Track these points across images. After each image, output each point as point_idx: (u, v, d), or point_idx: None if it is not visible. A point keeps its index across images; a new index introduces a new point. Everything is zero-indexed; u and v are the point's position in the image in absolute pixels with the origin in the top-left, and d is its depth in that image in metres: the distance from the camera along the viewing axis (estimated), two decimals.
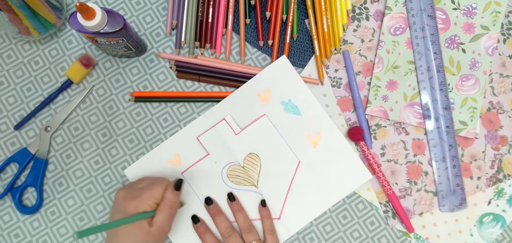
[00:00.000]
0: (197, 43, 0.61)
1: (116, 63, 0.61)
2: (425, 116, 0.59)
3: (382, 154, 0.60)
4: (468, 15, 0.60)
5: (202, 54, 0.62)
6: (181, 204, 0.58)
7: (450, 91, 0.60)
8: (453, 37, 0.60)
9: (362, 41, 0.61)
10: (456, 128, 0.59)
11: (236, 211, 0.57)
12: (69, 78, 0.59)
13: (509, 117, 0.60)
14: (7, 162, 0.59)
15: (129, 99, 0.61)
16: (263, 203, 0.58)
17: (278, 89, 0.60)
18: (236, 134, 0.59)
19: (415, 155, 0.60)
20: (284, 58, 0.60)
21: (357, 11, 0.62)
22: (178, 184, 0.52)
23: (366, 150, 0.59)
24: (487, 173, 0.59)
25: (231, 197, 0.57)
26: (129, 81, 0.61)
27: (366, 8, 0.62)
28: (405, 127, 0.60)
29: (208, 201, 0.57)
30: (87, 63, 0.59)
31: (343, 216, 0.59)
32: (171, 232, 0.58)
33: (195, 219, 0.57)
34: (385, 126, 0.60)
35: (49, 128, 0.60)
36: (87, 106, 0.61)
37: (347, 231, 0.59)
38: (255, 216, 0.58)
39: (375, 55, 0.61)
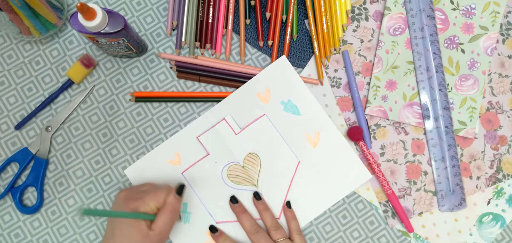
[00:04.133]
0: (198, 44, 0.61)
1: (117, 63, 0.61)
2: (425, 116, 0.60)
3: (382, 154, 0.60)
4: (467, 16, 0.61)
5: (202, 54, 0.62)
6: (179, 217, 0.58)
7: (449, 91, 0.60)
8: (452, 37, 0.61)
9: (362, 41, 0.61)
10: (455, 128, 0.59)
11: (263, 210, 0.57)
12: (69, 78, 0.60)
13: (508, 117, 0.60)
14: (8, 162, 0.59)
15: (130, 99, 0.61)
16: (288, 204, 0.58)
17: (278, 89, 0.60)
18: (236, 134, 0.59)
19: (414, 155, 0.60)
20: (283, 58, 0.60)
21: (357, 11, 0.62)
22: (180, 189, 0.52)
23: (365, 150, 0.59)
24: (486, 173, 0.59)
25: (257, 196, 0.57)
26: (130, 81, 0.61)
27: (365, 9, 0.62)
28: (405, 127, 0.60)
29: (234, 200, 0.57)
30: (88, 63, 0.60)
31: (342, 216, 0.59)
32: (171, 232, 0.58)
33: (213, 229, 0.57)
34: (385, 126, 0.60)
35: (49, 128, 0.60)
36: (88, 106, 0.61)
37: (347, 231, 0.59)
38: (257, 216, 0.58)
39: (375, 55, 0.61)
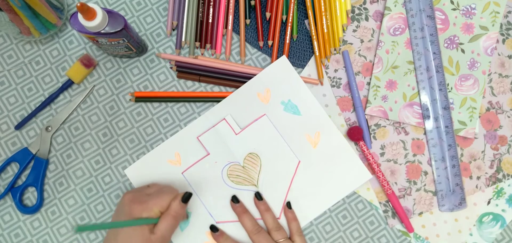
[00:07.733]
0: (198, 44, 0.61)
1: (117, 63, 0.61)
2: (425, 116, 0.60)
3: (382, 154, 0.60)
4: (467, 16, 0.61)
5: (202, 54, 0.62)
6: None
7: (449, 91, 0.60)
8: (452, 37, 0.61)
9: (362, 41, 0.61)
10: (455, 128, 0.59)
11: (264, 211, 0.57)
12: (70, 78, 0.60)
13: (508, 117, 0.60)
14: (8, 162, 0.59)
15: (130, 99, 0.61)
16: (288, 205, 0.58)
17: (278, 89, 0.60)
18: (236, 134, 0.59)
19: (414, 155, 0.60)
20: (284, 58, 0.60)
21: (357, 11, 0.62)
22: (186, 197, 0.52)
23: (365, 150, 0.59)
24: (486, 173, 0.60)
25: (258, 196, 0.57)
26: (130, 81, 0.61)
27: (365, 9, 0.62)
28: (405, 127, 0.60)
29: (235, 199, 0.57)
30: (88, 63, 0.60)
31: (343, 216, 0.59)
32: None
33: (213, 228, 0.57)
34: (385, 126, 0.60)
35: (50, 128, 0.60)
36: (88, 106, 0.61)
37: (347, 231, 0.59)
38: (257, 216, 0.58)
39: (375, 55, 0.61)
